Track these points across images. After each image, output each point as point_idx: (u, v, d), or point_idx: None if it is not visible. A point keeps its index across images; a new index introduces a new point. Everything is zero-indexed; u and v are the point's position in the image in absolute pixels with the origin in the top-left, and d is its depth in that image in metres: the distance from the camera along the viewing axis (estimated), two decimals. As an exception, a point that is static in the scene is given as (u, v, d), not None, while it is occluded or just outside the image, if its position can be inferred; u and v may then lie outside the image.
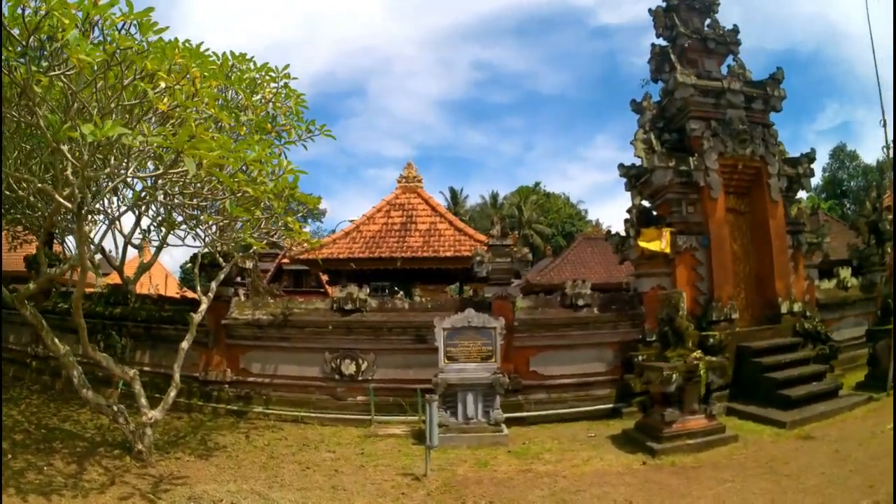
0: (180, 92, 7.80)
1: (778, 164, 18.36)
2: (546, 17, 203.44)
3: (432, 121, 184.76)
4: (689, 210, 17.57)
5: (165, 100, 7.69)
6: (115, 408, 11.64)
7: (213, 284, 14.66)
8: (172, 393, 12.45)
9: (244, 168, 9.71)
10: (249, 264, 17.81)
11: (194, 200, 10.91)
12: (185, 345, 13.14)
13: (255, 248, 13.72)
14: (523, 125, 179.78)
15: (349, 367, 16.37)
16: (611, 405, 15.96)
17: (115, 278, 16.06)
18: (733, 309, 16.91)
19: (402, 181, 29.76)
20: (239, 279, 18.12)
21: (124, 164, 8.93)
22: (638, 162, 18.26)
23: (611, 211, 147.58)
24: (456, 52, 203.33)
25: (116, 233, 12.57)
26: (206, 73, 8.57)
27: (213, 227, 12.95)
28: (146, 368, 17.12)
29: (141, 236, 14.04)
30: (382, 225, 27.47)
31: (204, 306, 13.81)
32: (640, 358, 15.47)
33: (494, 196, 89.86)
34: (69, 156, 8.07)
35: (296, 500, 9.59)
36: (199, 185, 10.25)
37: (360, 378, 16.31)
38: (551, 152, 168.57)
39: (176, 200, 10.96)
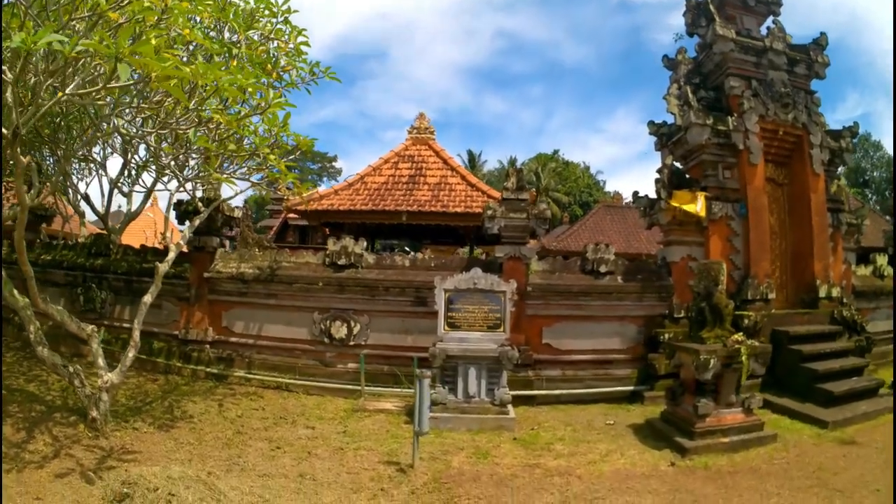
0: (138, 3, 6.52)
1: (821, 134, 16.92)
2: None
3: (453, 86, 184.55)
4: (726, 175, 16.14)
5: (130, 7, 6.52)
6: (71, 369, 10.54)
7: (187, 231, 13.83)
8: (131, 353, 11.20)
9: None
10: (238, 213, 16.70)
11: (160, 130, 9.81)
12: (147, 298, 11.86)
13: (238, 192, 12.58)
14: (544, 94, 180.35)
15: (340, 330, 14.84)
16: (631, 387, 14.46)
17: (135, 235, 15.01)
18: (770, 288, 15.48)
19: (412, 132, 27.91)
20: (228, 230, 16.89)
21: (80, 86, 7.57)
22: (670, 120, 16.81)
23: (629, 184, 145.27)
24: (479, 20, 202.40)
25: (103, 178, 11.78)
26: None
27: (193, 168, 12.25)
28: (125, 325, 15.59)
29: (129, 182, 13.69)
30: (389, 177, 25.72)
31: (171, 255, 12.61)
32: (666, 336, 14.18)
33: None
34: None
35: (250, 492, 8.04)
36: (159, 109, 9.17)
37: (351, 343, 14.87)
38: (571, 122, 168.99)
39: (140, 132, 10.18)
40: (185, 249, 14.56)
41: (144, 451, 9.46)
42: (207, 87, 7.82)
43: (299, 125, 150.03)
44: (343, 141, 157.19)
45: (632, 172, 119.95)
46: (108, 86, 6.80)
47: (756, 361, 11.12)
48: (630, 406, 13.83)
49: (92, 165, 17.01)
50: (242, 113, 9.46)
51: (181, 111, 8.97)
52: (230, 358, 15.31)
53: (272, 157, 10.53)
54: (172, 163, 12.04)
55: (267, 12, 10.86)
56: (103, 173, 16.55)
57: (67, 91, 6.91)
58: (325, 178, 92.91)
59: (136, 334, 11.48)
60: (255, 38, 11.01)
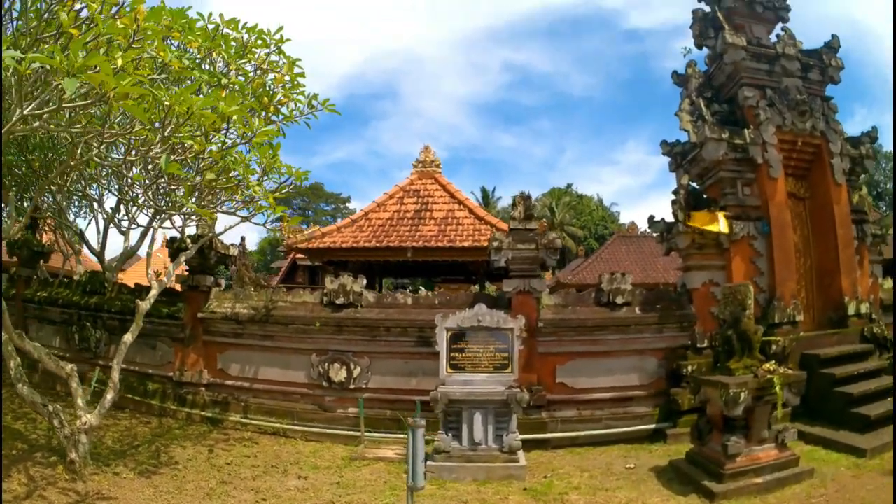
0: (110, 24, 6.42)
1: (840, 142, 15.93)
2: (577, 19, 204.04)
3: (463, 123, 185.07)
4: (745, 192, 15.20)
5: (98, 26, 6.43)
6: (51, 408, 10.30)
7: (172, 268, 13.21)
8: (109, 395, 10.88)
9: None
10: (234, 251, 15.99)
11: (129, 157, 9.52)
12: (128, 337, 11.46)
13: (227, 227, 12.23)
14: (554, 128, 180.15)
15: (339, 373, 13.89)
16: (653, 425, 13.39)
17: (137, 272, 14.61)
18: (797, 309, 14.44)
19: (417, 165, 27.12)
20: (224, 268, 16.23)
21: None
22: (684, 139, 15.95)
23: (644, 214, 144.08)
24: (487, 54, 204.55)
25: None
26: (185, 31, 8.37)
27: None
28: (121, 365, 14.99)
29: (126, 219, 13.25)
30: (394, 212, 24.71)
31: (154, 292, 12.05)
32: (689, 369, 13.20)
33: (535, 206, 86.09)
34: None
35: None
36: (127, 133, 8.28)
37: (351, 386, 13.90)
38: (582, 156, 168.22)
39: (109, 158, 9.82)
40: (177, 287, 14.44)
41: (120, 498, 9.03)
42: (185, 113, 7.44)
43: (313, 166, 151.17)
44: (357, 181, 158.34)
45: (646, 202, 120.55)
46: (64, 105, 6.60)
47: (790, 391, 10.15)
48: (652, 446, 12.80)
49: (94, 203, 16.34)
50: (228, 143, 9.21)
51: (153, 137, 8.18)
52: (226, 401, 14.60)
53: (258, 188, 10.01)
54: (148, 192, 11.42)
55: (259, 42, 10.71)
56: (99, 210, 15.94)
57: (26, 111, 6.61)
58: (338, 219, 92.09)
59: (116, 375, 11.09)
60: (250, 69, 10.82)
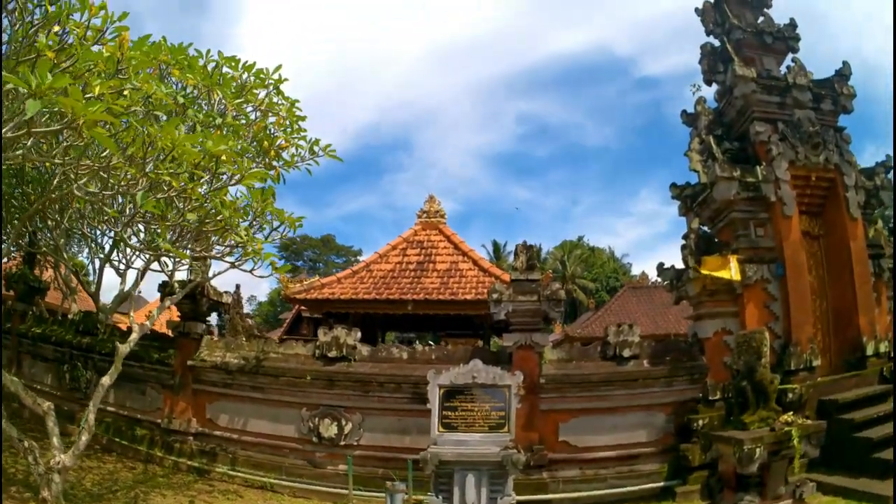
0: (88, 50, 6.49)
1: (854, 174, 15.11)
2: (590, 68, 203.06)
3: (477, 174, 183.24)
4: (758, 233, 14.44)
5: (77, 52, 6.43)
6: (27, 444, 9.76)
7: (156, 312, 12.35)
8: (84, 437, 10.20)
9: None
10: (227, 298, 15.58)
11: (105, 191, 8.76)
12: (106, 380, 10.89)
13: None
14: (567, 179, 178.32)
15: (329, 429, 13.15)
16: (661, 483, 12.50)
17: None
18: (814, 354, 13.54)
19: (422, 216, 26.38)
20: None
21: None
22: (694, 180, 15.42)
23: (655, 265, 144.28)
24: (500, 104, 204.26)
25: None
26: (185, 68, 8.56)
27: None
28: (110, 408, 15.01)
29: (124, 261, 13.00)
30: (396, 264, 24.04)
31: (134, 335, 11.41)
32: (700, 423, 12.35)
33: (538, 251, 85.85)
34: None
35: None
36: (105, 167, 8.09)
37: (342, 442, 13.18)
38: (596, 207, 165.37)
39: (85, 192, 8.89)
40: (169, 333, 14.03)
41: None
42: (169, 149, 7.21)
43: (325, 217, 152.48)
44: (370, 233, 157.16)
45: (658, 253, 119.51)
46: (33, 130, 6.60)
47: (809, 443, 9.50)
48: (660, 504, 12.03)
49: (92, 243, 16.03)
50: (216, 183, 8.61)
51: (134, 171, 7.85)
52: (213, 452, 13.97)
53: (243, 232, 9.52)
54: (127, 231, 11.05)
55: (257, 81, 10.56)
56: (96, 250, 15.65)
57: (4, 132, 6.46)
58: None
59: (91, 417, 10.42)
60: (250, 111, 10.73)
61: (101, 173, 8.58)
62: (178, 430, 14.24)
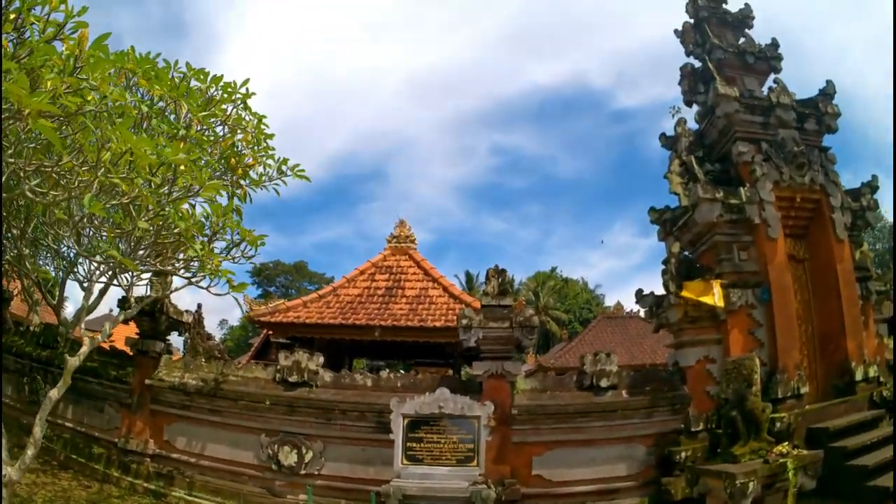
0: (44, 45, 6.31)
1: (840, 195, 14.63)
2: (565, 101, 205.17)
3: (451, 206, 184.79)
4: (742, 256, 13.92)
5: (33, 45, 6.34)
6: None
7: (107, 327, 11.47)
8: (30, 452, 9.59)
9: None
10: (188, 317, 14.80)
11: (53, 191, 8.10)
12: (54, 394, 10.08)
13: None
14: (541, 211, 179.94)
15: (289, 457, 12.35)
16: (641, 519, 11.75)
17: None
18: (801, 381, 12.91)
19: (391, 241, 25.64)
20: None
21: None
22: (673, 204, 14.88)
23: (629, 297, 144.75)
24: (475, 136, 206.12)
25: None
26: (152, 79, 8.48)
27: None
28: (68, 424, 14.46)
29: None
30: (364, 289, 23.26)
31: (84, 349, 10.47)
32: (683, 455, 11.63)
33: (511, 281, 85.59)
34: None
35: None
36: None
37: (302, 472, 12.31)
38: (570, 239, 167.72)
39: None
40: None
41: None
42: (122, 153, 6.89)
43: (299, 245, 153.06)
44: (344, 262, 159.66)
45: (631, 285, 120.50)
46: None
47: (805, 474, 9.05)
48: (641, 543, 11.12)
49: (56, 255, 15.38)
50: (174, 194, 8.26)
51: (83, 174, 7.36)
52: (170, 475, 13.18)
53: (199, 246, 8.98)
54: (72, 237, 10.35)
55: (225, 95, 10.24)
56: (57, 262, 15.09)
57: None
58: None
59: (37, 431, 9.74)
60: (218, 127, 10.43)
61: (54, 175, 7.97)
62: (136, 450, 13.53)
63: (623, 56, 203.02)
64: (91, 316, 14.29)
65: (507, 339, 12.40)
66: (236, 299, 9.93)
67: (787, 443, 9.07)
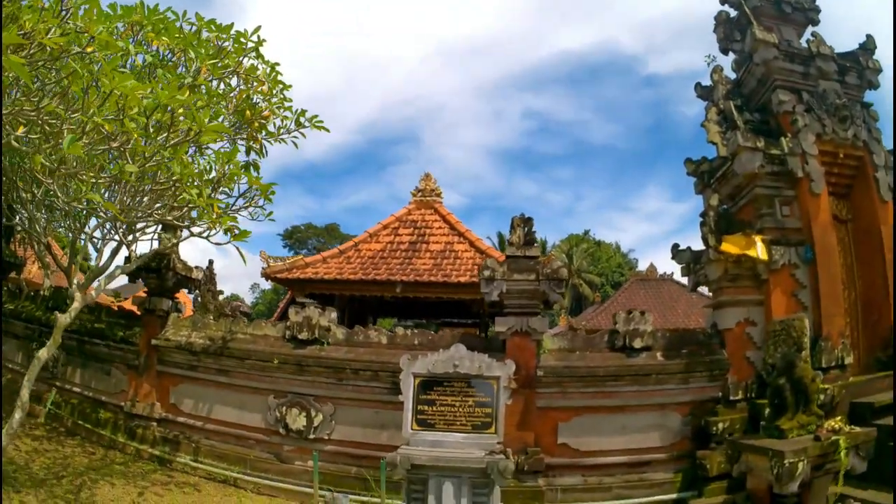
0: None
1: (884, 153, 13.51)
2: (596, 66, 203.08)
3: (483, 170, 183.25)
4: (784, 212, 12.76)
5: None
6: None
7: (101, 282, 11.16)
8: (17, 415, 9.30)
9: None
10: (198, 273, 14.27)
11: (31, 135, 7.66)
12: (43, 353, 9.87)
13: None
14: (573, 175, 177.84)
15: (297, 420, 11.55)
16: (674, 495, 10.77)
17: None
18: (846, 350, 11.86)
19: (416, 195, 24.33)
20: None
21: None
22: (709, 158, 14.09)
23: (662, 261, 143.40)
24: (506, 100, 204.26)
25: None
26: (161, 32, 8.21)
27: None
28: (76, 389, 14.13)
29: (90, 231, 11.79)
30: (387, 244, 21.96)
31: (76, 304, 10.20)
32: (720, 426, 10.68)
33: (543, 243, 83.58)
34: None
35: None
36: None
37: (311, 436, 11.59)
38: (601, 203, 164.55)
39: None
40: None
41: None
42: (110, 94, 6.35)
43: (330, 208, 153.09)
44: (375, 224, 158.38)
45: (663, 251, 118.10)
46: None
47: (857, 455, 8.02)
48: (674, 520, 10.13)
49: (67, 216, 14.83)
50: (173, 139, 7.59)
51: (64, 115, 6.91)
52: (176, 440, 12.60)
53: (195, 192, 8.30)
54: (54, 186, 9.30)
55: (236, 45, 9.63)
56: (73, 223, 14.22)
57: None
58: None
59: (25, 393, 9.46)
60: (233, 83, 9.96)
61: (38, 121, 7.29)
62: (142, 414, 12.98)
63: (653, 22, 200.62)
64: (116, 283, 13.88)
65: (533, 292, 11.42)
66: (239, 250, 9.05)
67: (839, 417, 8.00)
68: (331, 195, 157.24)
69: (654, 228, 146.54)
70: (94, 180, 8.22)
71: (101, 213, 10.09)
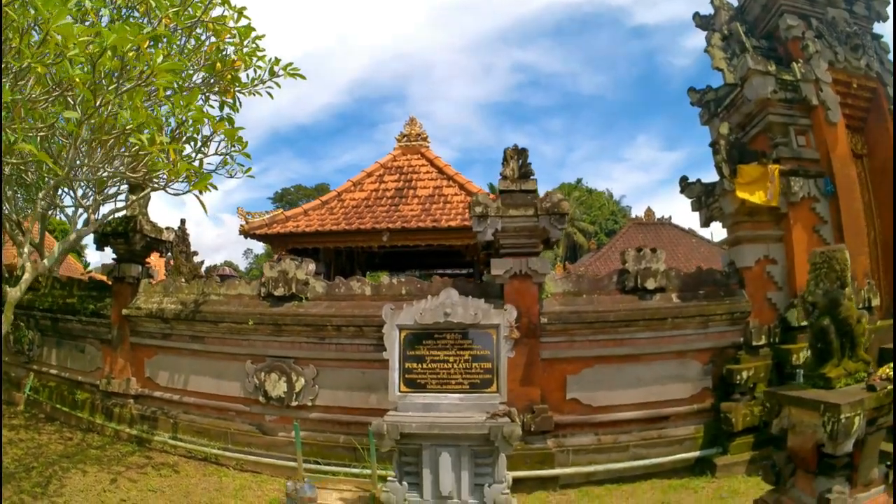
0: None
1: (897, 86, 12.32)
2: (583, 18, 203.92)
3: (473, 124, 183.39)
4: (800, 142, 11.79)
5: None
6: None
7: (56, 249, 10.47)
8: None
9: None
10: (169, 235, 13.45)
11: None
12: None
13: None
14: (564, 127, 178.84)
15: (278, 386, 10.46)
16: (696, 453, 9.84)
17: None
18: (872, 291, 11.17)
19: (401, 140, 22.90)
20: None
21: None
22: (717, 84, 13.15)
23: (658, 206, 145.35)
24: (495, 55, 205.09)
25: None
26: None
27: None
28: (52, 372, 13.61)
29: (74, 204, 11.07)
30: (371, 192, 20.54)
31: (27, 276, 9.24)
32: (744, 375, 9.89)
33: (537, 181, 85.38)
34: None
35: None
36: None
37: (293, 403, 10.51)
38: (592, 153, 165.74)
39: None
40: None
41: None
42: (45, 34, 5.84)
43: (321, 169, 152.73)
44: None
45: (656, 198, 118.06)
46: None
47: None
48: (696, 481, 9.32)
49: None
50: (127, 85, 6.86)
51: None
52: (154, 417, 11.77)
53: (145, 139, 7.31)
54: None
55: None
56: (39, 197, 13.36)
57: None
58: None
59: None
60: (200, 33, 9.46)
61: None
62: (118, 392, 12.21)
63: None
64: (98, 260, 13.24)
65: (532, 229, 10.15)
66: (199, 199, 8.09)
67: (890, 364, 6.93)
68: (322, 157, 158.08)
69: (645, 177, 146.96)
70: (30, 133, 7.35)
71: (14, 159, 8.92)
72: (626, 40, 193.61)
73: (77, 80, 6.19)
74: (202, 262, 14.87)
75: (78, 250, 22.32)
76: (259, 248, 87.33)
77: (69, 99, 7.06)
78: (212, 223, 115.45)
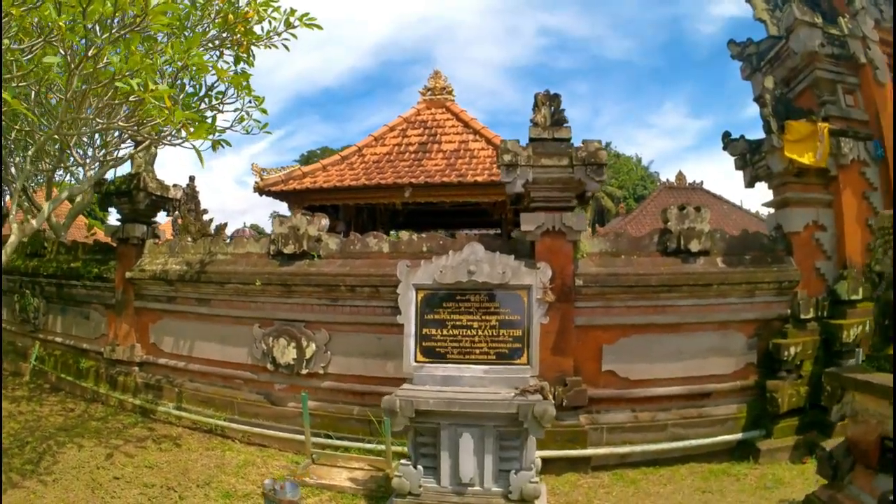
0: None
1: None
2: None
3: (499, 87, 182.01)
4: (848, 101, 10.87)
5: None
6: None
7: (47, 207, 9.18)
8: None
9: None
10: (176, 192, 12.75)
11: None
12: None
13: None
14: (590, 91, 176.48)
15: (287, 352, 9.68)
16: (738, 435, 9.02)
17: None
18: None
19: (426, 94, 21.88)
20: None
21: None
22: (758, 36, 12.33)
23: (688, 171, 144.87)
24: (521, 18, 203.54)
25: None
26: None
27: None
28: (58, 340, 13.39)
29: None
30: (394, 146, 19.63)
31: (13, 238, 8.41)
32: (792, 350, 9.02)
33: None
34: None
35: None
36: None
37: (303, 370, 9.76)
38: (619, 118, 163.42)
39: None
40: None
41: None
42: None
43: (347, 132, 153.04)
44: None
45: (683, 165, 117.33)
46: None
47: None
48: (738, 467, 8.60)
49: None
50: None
51: None
52: (159, 385, 11.19)
53: (135, 84, 6.58)
54: None
55: None
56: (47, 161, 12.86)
57: None
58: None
59: None
60: None
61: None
62: (122, 359, 11.76)
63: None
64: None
65: (566, 181, 9.05)
66: (197, 150, 7.39)
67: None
68: (349, 119, 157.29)
69: (673, 143, 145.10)
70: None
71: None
72: (653, 6, 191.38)
73: (61, 24, 5.88)
74: (211, 220, 14.15)
75: (101, 217, 22.21)
76: (286, 210, 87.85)
77: (60, 49, 6.60)
78: (238, 186, 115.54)
